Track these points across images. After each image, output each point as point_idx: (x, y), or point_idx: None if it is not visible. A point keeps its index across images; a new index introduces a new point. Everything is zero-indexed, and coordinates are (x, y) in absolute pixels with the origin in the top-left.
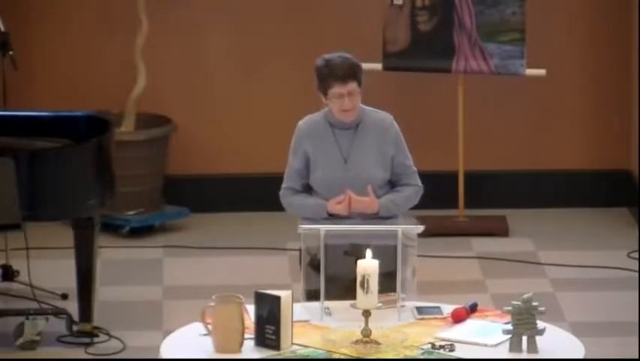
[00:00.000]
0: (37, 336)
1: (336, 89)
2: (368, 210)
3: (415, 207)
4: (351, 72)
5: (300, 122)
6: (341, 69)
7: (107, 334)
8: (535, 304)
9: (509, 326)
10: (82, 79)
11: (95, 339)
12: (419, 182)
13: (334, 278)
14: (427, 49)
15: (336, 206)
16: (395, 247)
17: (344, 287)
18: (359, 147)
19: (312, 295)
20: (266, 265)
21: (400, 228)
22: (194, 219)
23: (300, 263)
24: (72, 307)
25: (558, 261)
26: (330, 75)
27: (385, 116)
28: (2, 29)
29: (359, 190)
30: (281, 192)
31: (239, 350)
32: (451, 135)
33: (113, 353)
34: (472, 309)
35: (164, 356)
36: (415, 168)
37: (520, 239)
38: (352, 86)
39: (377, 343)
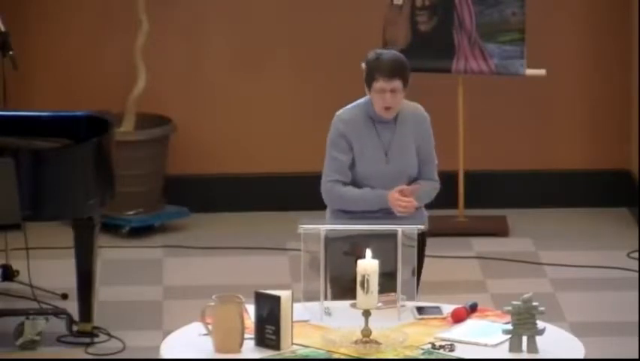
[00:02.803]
0: (37, 336)
1: (380, 84)
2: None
3: None
4: (398, 70)
5: (340, 115)
6: (388, 65)
7: (107, 334)
8: (535, 304)
9: (509, 326)
10: (82, 79)
11: (95, 339)
12: (437, 177)
13: (334, 278)
14: (427, 49)
15: (400, 203)
16: (395, 247)
17: (344, 287)
18: (399, 140)
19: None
20: (266, 265)
21: (399, 228)
22: (194, 219)
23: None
24: (72, 307)
25: (558, 261)
26: (377, 69)
27: (418, 108)
28: (2, 29)
29: (397, 183)
30: (328, 186)
31: (239, 350)
32: (451, 135)
33: (113, 353)
34: (472, 309)
35: (164, 356)
36: (436, 162)
37: (520, 239)
38: (396, 83)
39: (377, 343)
